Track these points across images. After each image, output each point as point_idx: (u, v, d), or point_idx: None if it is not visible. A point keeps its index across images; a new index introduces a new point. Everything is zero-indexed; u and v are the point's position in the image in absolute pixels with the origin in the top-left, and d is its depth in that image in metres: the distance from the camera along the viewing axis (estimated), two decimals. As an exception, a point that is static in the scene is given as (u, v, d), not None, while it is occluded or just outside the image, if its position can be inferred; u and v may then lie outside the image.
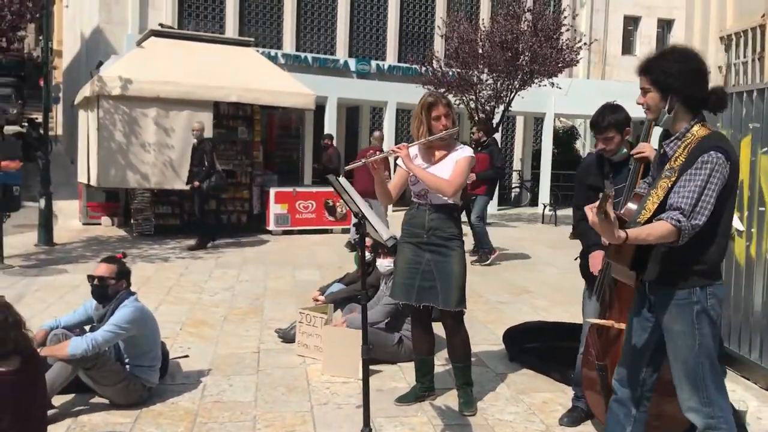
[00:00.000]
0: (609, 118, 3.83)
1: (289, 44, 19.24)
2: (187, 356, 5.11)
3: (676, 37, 21.22)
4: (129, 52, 12.93)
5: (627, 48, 23.14)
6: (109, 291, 4.20)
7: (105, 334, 4.00)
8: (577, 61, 14.47)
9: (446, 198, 4.03)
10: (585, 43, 14.51)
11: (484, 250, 9.57)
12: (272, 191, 12.28)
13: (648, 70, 2.79)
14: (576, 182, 4.14)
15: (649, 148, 3.64)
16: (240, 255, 9.93)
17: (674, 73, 2.71)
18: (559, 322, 5.86)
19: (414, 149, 4.19)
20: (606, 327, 3.72)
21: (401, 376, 4.88)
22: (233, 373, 4.87)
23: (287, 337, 5.58)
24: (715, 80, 5.71)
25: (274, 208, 12.28)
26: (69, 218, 13.03)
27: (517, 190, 21.10)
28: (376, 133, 11.56)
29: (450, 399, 4.40)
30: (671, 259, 2.73)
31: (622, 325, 3.58)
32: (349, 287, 5.75)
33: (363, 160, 4.01)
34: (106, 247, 10.09)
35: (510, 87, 14.10)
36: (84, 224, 12.43)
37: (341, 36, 19.90)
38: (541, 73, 13.74)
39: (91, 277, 4.25)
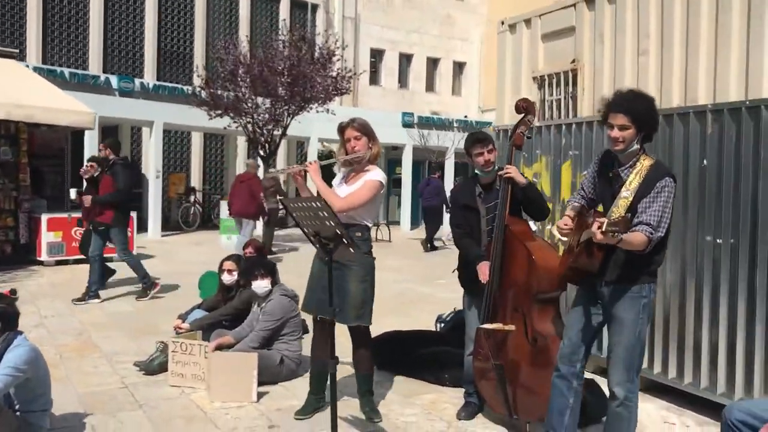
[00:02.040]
0: (485, 133, 4.42)
1: (34, 56, 17.57)
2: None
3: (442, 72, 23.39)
4: None
5: (374, 79, 25.06)
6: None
7: (3, 378, 3.57)
8: (350, 90, 15.37)
9: (357, 218, 4.30)
10: (355, 73, 15.50)
11: (144, 282, 8.50)
12: (44, 217, 11.20)
13: (629, 110, 3.33)
14: (451, 204, 4.65)
15: (514, 169, 4.25)
16: (23, 289, 8.94)
17: (647, 114, 3.35)
18: (414, 331, 6.30)
19: (338, 171, 4.43)
20: (496, 330, 4.22)
21: (291, 393, 4.98)
22: (114, 410, 4.56)
23: (150, 369, 5.33)
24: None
25: (47, 237, 11.21)
26: None
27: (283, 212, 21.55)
28: (250, 161, 12.64)
29: (347, 408, 4.62)
30: (629, 262, 3.37)
31: (512, 327, 4.17)
32: (214, 313, 5.64)
33: (285, 170, 4.21)
34: None
35: (288, 112, 14.53)
36: None
37: (94, 50, 18.69)
38: (317, 99, 14.38)
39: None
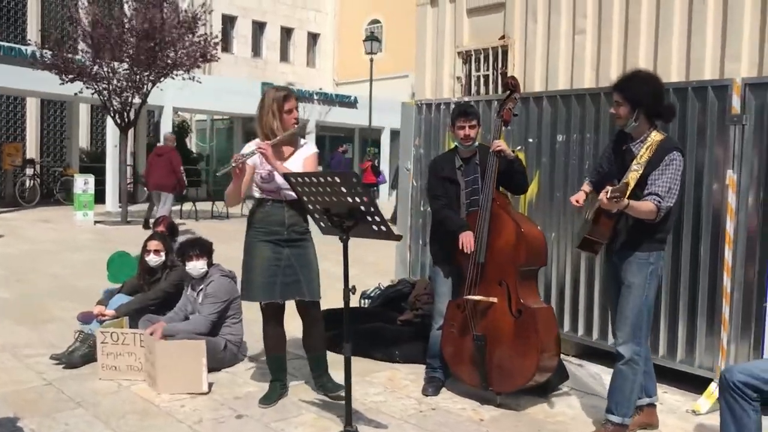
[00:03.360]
0: (473, 108, 4.40)
1: None
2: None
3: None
4: None
5: (225, 46, 24.06)
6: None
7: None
8: (217, 57, 14.62)
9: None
10: (219, 40, 14.74)
11: None
12: None
13: (622, 89, 3.56)
14: (431, 175, 4.58)
15: (504, 144, 4.32)
16: None
17: (642, 93, 3.52)
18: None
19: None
20: (480, 301, 4.24)
21: (241, 380, 4.69)
22: (50, 410, 4.04)
23: (71, 362, 4.79)
24: (453, 89, 6.70)
25: None
26: None
27: (131, 186, 20.19)
28: (168, 134, 12.10)
29: (305, 392, 4.44)
30: (637, 230, 3.58)
31: (495, 299, 4.21)
32: (141, 297, 5.14)
33: (233, 164, 3.93)
34: None
35: (148, 78, 13.56)
36: None
37: None
38: (182, 65, 13.54)
39: None
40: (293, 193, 3.99)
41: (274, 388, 4.34)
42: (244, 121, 21.81)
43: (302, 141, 4.29)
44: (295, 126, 4.08)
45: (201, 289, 4.90)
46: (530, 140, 5.51)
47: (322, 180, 3.04)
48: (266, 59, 25.47)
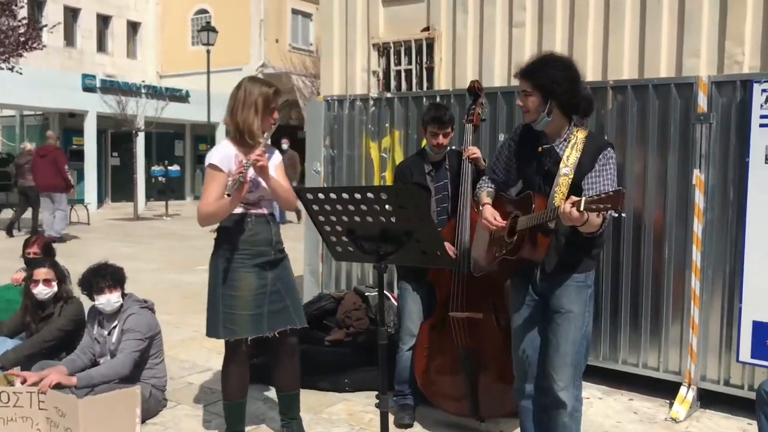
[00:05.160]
0: (450, 114, 3.94)
1: None
2: None
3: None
4: None
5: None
6: None
7: None
8: (43, 45, 12.82)
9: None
10: (46, 26, 12.95)
11: None
12: None
13: (532, 75, 2.91)
14: (400, 180, 4.07)
15: (478, 150, 3.94)
16: None
17: (557, 80, 2.86)
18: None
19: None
20: (466, 318, 3.80)
21: (175, 430, 3.88)
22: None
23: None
24: (368, 84, 6.17)
25: None
26: None
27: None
28: (50, 132, 11.43)
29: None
30: (574, 247, 2.95)
31: (480, 315, 3.80)
32: (32, 340, 4.08)
33: (239, 178, 3.24)
34: None
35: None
36: None
37: None
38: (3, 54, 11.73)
39: None
40: (270, 204, 3.51)
41: (232, 441, 3.60)
42: (61, 117, 19.59)
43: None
44: (273, 127, 3.40)
45: (114, 326, 3.99)
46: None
47: (359, 197, 2.41)
48: (81, 49, 23.09)
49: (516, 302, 3.15)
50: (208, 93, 19.19)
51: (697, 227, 4.26)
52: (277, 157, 3.58)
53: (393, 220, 2.43)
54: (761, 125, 3.97)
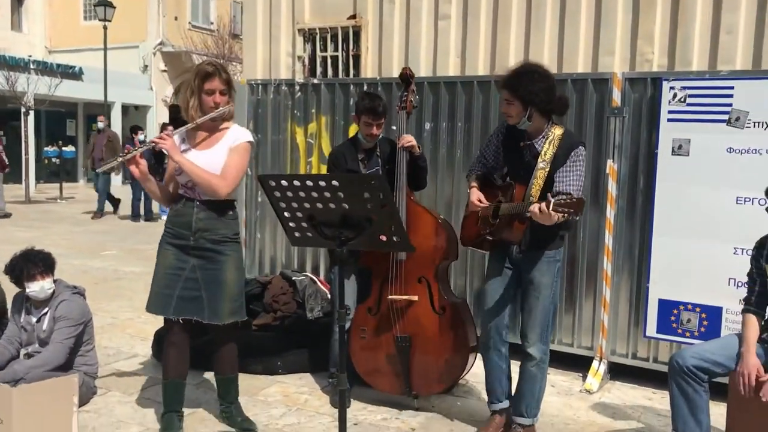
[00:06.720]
0: (384, 105, 4.05)
1: None
2: None
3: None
4: None
5: None
6: None
7: None
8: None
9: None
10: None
11: None
12: None
13: (512, 87, 3.34)
14: (334, 168, 4.14)
15: (412, 138, 4.09)
16: None
17: (535, 91, 3.30)
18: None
19: (181, 133, 3.46)
20: (402, 300, 3.96)
21: (114, 419, 3.83)
22: None
23: None
24: (292, 69, 6.17)
25: None
26: None
27: None
28: None
29: (201, 422, 3.79)
30: (545, 229, 3.35)
31: (416, 297, 3.97)
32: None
33: (120, 159, 3.33)
34: None
35: None
36: None
37: None
38: None
39: None
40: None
41: (170, 422, 3.60)
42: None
43: (232, 126, 3.59)
44: (217, 111, 3.38)
45: (45, 313, 3.88)
46: (393, 128, 5.30)
47: (323, 184, 2.49)
48: (-41, 19, 21.57)
49: (493, 269, 3.65)
50: (105, 71, 18.39)
51: (610, 213, 4.60)
52: (235, 137, 3.51)
53: (355, 207, 2.53)
54: (669, 120, 4.34)
